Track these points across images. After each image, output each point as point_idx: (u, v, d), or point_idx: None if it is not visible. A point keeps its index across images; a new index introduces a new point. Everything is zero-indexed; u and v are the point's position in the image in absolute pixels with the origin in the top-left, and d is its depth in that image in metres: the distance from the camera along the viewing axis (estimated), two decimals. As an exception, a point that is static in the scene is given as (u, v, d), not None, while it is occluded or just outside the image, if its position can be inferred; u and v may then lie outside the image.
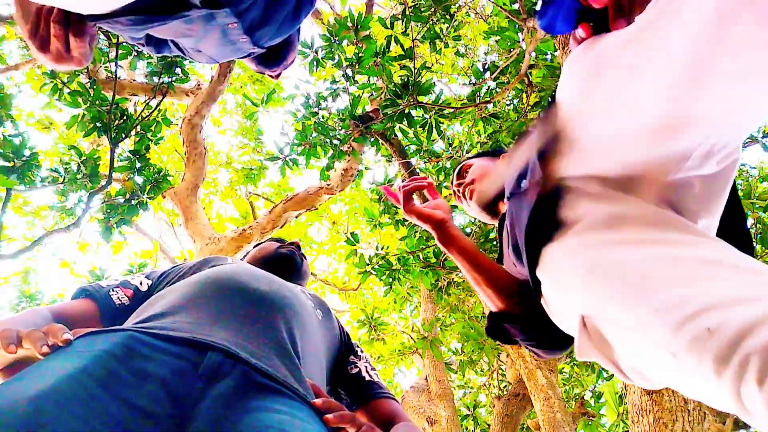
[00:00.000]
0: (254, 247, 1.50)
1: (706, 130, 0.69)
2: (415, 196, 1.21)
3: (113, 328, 0.79)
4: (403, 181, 1.19)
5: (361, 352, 1.23)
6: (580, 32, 0.82)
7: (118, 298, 1.07)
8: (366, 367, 1.18)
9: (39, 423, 0.55)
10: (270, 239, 1.51)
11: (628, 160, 0.76)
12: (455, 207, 5.06)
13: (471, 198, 1.41)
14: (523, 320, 1.00)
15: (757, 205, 4.15)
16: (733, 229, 0.85)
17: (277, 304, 0.97)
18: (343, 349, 1.20)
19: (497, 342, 1.14)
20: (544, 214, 0.82)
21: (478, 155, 1.52)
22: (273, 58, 1.22)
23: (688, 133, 0.69)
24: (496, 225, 1.43)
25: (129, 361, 0.70)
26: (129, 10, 0.85)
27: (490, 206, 1.39)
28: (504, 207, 1.40)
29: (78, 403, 0.60)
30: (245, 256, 1.48)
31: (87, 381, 0.64)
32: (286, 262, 1.35)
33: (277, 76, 1.31)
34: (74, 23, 0.85)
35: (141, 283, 1.14)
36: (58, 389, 0.61)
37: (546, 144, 0.86)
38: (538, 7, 0.84)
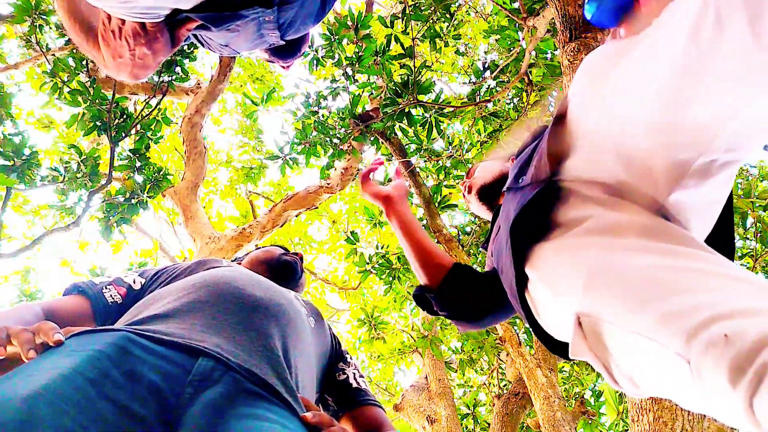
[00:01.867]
0: (257, 247, 1.51)
1: (704, 139, 0.69)
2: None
3: (107, 327, 0.79)
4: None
5: (351, 359, 1.25)
6: (622, 32, 0.85)
7: (111, 296, 1.07)
8: (354, 374, 1.19)
9: (32, 423, 0.55)
10: (274, 245, 1.52)
11: (631, 166, 0.77)
12: (455, 206, 5.06)
13: (470, 192, 1.45)
14: (440, 294, 1.08)
15: (757, 204, 4.15)
16: (722, 238, 0.86)
17: (271, 311, 0.97)
18: (334, 357, 1.21)
19: (421, 310, 1.26)
20: (538, 213, 0.83)
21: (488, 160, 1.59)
22: (288, 50, 1.23)
23: (685, 140, 0.70)
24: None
25: (122, 363, 0.70)
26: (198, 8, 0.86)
27: (488, 200, 1.42)
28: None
29: (71, 404, 0.60)
30: (247, 254, 1.49)
31: (80, 381, 0.64)
32: (288, 269, 1.36)
33: (288, 67, 1.33)
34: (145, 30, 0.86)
35: (134, 282, 1.13)
36: (51, 389, 0.60)
37: (550, 143, 0.86)
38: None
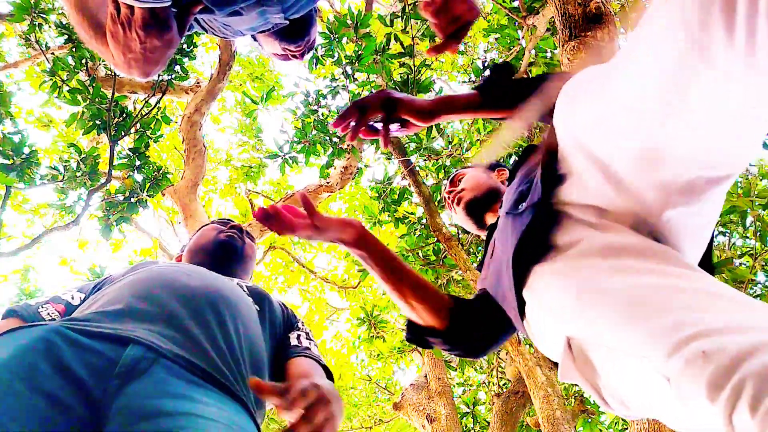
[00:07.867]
0: (198, 230, 1.45)
1: (684, 160, 0.69)
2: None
3: (36, 323, 0.80)
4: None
5: (301, 325, 1.22)
6: None
7: (49, 314, 1.06)
8: (298, 335, 1.17)
9: None
10: (213, 221, 1.45)
11: (620, 188, 0.77)
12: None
13: (459, 204, 1.43)
14: (449, 335, 1.02)
15: (757, 203, 4.16)
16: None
17: (208, 298, 0.98)
18: (286, 330, 1.19)
19: (415, 347, 1.17)
20: (536, 236, 0.84)
21: (472, 166, 1.55)
22: (295, 34, 1.20)
23: (665, 162, 0.69)
24: (483, 236, 1.45)
25: (49, 356, 0.71)
26: None
27: (476, 215, 1.41)
28: (490, 218, 1.41)
29: (0, 399, 0.62)
30: (189, 240, 1.44)
31: (7, 376, 0.65)
32: (226, 249, 1.30)
33: (302, 54, 1.27)
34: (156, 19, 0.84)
35: (73, 298, 1.13)
36: None
37: (547, 168, 0.86)
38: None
